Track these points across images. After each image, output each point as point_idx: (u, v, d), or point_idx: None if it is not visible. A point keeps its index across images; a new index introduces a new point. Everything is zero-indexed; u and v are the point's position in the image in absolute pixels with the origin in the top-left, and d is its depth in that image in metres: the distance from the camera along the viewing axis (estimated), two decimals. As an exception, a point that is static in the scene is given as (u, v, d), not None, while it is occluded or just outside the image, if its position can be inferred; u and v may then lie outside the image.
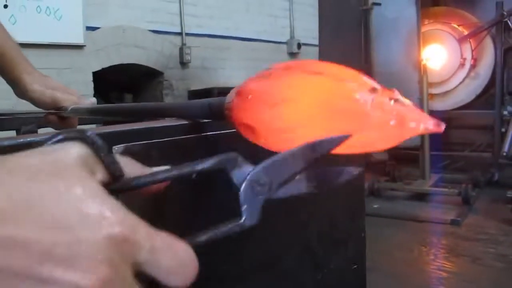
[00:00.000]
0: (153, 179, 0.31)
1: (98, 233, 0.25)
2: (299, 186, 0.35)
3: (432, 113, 4.80)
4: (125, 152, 0.42)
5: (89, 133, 0.29)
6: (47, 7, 3.36)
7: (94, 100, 1.11)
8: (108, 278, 0.25)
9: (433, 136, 4.66)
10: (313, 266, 1.04)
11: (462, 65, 5.16)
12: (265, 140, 0.43)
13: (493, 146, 5.04)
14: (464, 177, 4.71)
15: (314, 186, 0.36)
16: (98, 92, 4.00)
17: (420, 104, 4.56)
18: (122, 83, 4.41)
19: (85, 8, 3.56)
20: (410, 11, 4.50)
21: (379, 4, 4.66)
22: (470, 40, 5.20)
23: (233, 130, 0.51)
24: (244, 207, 0.32)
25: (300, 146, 0.33)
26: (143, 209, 0.30)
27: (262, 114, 0.42)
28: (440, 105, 5.32)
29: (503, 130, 4.93)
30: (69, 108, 0.95)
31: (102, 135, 0.34)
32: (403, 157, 5.33)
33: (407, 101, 0.39)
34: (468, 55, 5.16)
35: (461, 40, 5.19)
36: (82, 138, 0.29)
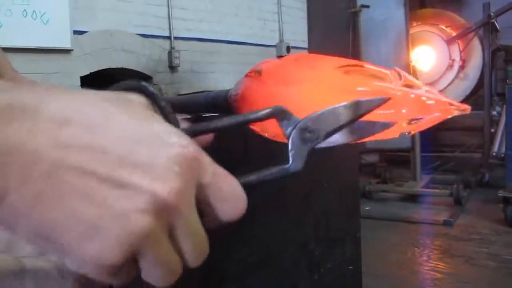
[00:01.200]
0: (208, 128, 0.33)
1: (173, 149, 0.27)
2: (341, 137, 0.38)
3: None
4: None
5: (147, 86, 0.31)
6: (34, 11, 3.31)
7: None
8: (181, 190, 0.26)
9: (424, 138, 4.67)
10: (309, 266, 1.02)
11: (450, 66, 5.19)
12: (274, 133, 0.44)
13: (483, 146, 5.07)
14: (455, 178, 4.73)
15: (354, 137, 0.39)
16: (86, 97, 3.96)
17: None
18: (109, 87, 4.36)
19: (72, 12, 3.52)
20: (399, 13, 4.52)
21: (367, 6, 4.68)
22: (458, 41, 5.23)
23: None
24: (291, 153, 0.34)
25: (345, 102, 0.35)
26: None
27: (276, 92, 0.44)
28: (429, 106, 5.34)
29: (492, 130, 4.97)
30: None
31: None
32: (394, 159, 5.35)
33: (431, 88, 0.42)
34: (456, 56, 5.19)
35: (449, 41, 5.22)
36: (141, 87, 0.31)
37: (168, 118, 0.31)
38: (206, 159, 0.29)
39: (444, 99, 0.44)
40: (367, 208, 4.45)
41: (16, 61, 0.74)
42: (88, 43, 3.72)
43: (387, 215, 4.14)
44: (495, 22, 5.01)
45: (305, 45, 5.83)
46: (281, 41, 5.80)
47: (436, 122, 0.44)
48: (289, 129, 0.35)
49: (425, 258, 3.18)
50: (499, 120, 4.86)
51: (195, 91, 4.48)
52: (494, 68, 5.19)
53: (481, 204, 4.30)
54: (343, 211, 1.19)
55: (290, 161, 0.34)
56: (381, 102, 0.36)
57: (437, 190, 4.44)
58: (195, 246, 0.28)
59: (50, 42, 3.43)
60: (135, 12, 4.04)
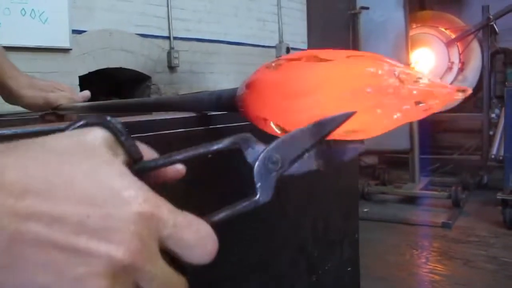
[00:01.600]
0: (170, 160, 0.33)
1: (128, 209, 0.27)
2: (308, 163, 0.36)
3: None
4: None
5: (109, 119, 0.30)
6: (32, 9, 3.30)
7: (87, 93, 1.07)
8: (138, 250, 0.26)
9: (422, 140, 4.67)
10: (307, 268, 1.01)
11: (450, 68, 5.19)
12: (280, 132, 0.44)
13: (482, 149, 5.07)
14: (453, 180, 4.72)
15: (322, 163, 0.36)
16: (85, 96, 3.94)
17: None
18: (109, 88, 4.35)
19: (71, 11, 3.50)
20: (398, 15, 4.52)
21: (367, 8, 4.67)
22: (458, 43, 5.23)
23: (242, 123, 0.51)
24: (258, 185, 0.34)
25: (308, 124, 0.35)
26: (162, 191, 0.31)
27: (277, 105, 0.43)
28: (428, 108, 5.34)
29: (491, 133, 4.97)
30: (66, 106, 0.93)
31: None
32: (392, 161, 5.34)
33: (431, 77, 0.41)
34: (455, 58, 5.19)
35: (448, 43, 5.22)
36: (103, 123, 0.30)
37: (130, 151, 0.31)
38: (165, 212, 0.29)
39: (445, 84, 0.43)
40: (365, 210, 4.44)
41: (15, 60, 0.74)
42: (87, 43, 3.71)
43: (386, 217, 4.13)
44: (494, 25, 5.01)
45: (305, 46, 5.82)
46: (280, 41, 5.80)
47: (440, 107, 0.42)
48: (253, 159, 0.34)
49: (423, 260, 3.17)
50: (497, 122, 4.86)
51: (194, 91, 4.48)
52: (493, 70, 5.19)
53: (479, 206, 4.30)
54: (342, 213, 1.18)
55: (258, 194, 0.34)
56: (345, 118, 0.35)
57: (435, 192, 4.44)
58: None
59: (48, 41, 3.42)
60: (134, 12, 4.03)
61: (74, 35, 3.59)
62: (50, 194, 0.25)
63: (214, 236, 0.30)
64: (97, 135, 0.30)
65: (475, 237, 3.53)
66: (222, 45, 4.89)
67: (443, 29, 5.36)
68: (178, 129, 0.61)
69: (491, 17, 4.86)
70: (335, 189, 1.10)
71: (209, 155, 0.35)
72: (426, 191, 4.54)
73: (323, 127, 0.35)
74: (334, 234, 1.11)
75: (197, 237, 0.29)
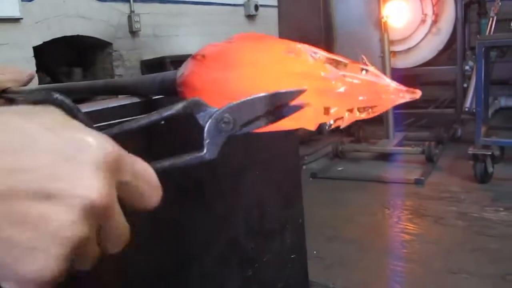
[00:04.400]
0: (123, 129, 0.34)
1: (95, 153, 0.28)
2: (259, 122, 0.37)
3: (395, 71, 4.75)
4: None
5: (56, 96, 0.31)
6: (-27, -23, 3.08)
7: (31, 72, 1.02)
8: (106, 193, 0.28)
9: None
10: (240, 263, 0.95)
11: (423, 21, 5.06)
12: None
13: (456, 102, 5.03)
14: (428, 135, 4.70)
15: (271, 120, 0.37)
16: (43, 68, 3.76)
17: (382, 63, 4.48)
18: (69, 57, 4.16)
19: (18, -23, 3.28)
20: (369, -33, 4.36)
21: (337, -40, 4.49)
22: (431, -6, 5.08)
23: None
24: (206, 142, 0.35)
25: (263, 93, 0.36)
26: None
27: (217, 78, 0.44)
28: (402, 62, 5.24)
29: (465, 85, 4.92)
30: (15, 89, 0.87)
31: None
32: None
33: (378, 72, 0.42)
34: (429, 10, 5.05)
35: (421, -5, 5.07)
36: (51, 100, 0.31)
37: (84, 123, 0.32)
38: (126, 158, 0.30)
39: (393, 84, 0.44)
40: (339, 168, 4.43)
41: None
42: (39, 11, 3.49)
43: (359, 175, 4.12)
44: (468, -26, 4.87)
45: (275, 2, 5.62)
46: (249, -1, 5.58)
47: (383, 109, 0.44)
48: (205, 120, 0.36)
49: (395, 219, 3.17)
50: (471, 74, 4.80)
51: (158, 56, 4.31)
52: (467, 22, 5.09)
53: (453, 161, 4.31)
54: (282, 199, 1.11)
55: (205, 150, 0.35)
56: (299, 93, 0.37)
57: (409, 148, 4.42)
58: (119, 237, 0.31)
59: (-4, 11, 3.21)
60: (90, -26, 3.80)
61: (24, 3, 3.37)
62: (14, 151, 0.26)
63: (159, 185, 0.32)
64: (51, 108, 0.31)
65: (447, 193, 3.54)
66: (186, 5, 4.67)
67: (416, -20, 5.20)
68: (122, 117, 0.60)
69: (464, -35, 4.71)
70: (270, 175, 1.03)
71: (162, 122, 0.36)
72: (400, 147, 4.52)
73: (278, 98, 0.36)
74: (271, 223, 1.05)
75: (148, 187, 0.32)
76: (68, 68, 4.14)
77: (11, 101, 0.96)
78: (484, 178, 3.60)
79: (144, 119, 0.35)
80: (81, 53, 4.23)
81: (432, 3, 5.04)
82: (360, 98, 0.43)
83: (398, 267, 2.52)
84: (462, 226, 2.96)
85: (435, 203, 3.38)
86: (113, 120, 0.61)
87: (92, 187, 0.27)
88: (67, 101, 0.32)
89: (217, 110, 0.36)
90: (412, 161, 4.30)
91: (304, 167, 4.34)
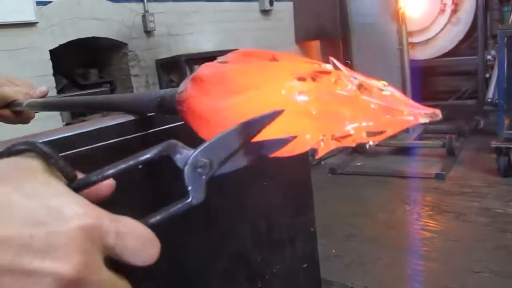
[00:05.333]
0: (102, 175, 0.34)
1: (70, 224, 0.27)
2: (238, 161, 0.36)
3: (414, 63, 4.65)
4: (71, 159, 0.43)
5: (36, 144, 0.31)
6: (-11, -16, 3.11)
7: (44, 88, 1.04)
8: (83, 264, 0.27)
9: (416, 86, 4.51)
10: (248, 276, 0.93)
11: (442, 10, 4.95)
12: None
13: (478, 92, 4.92)
14: (448, 127, 4.61)
15: (252, 159, 0.37)
16: (60, 71, 3.79)
17: (400, 55, 4.40)
18: (85, 59, 4.19)
19: (33, -19, 3.30)
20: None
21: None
22: (449, -17, 4.97)
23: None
24: (189, 188, 0.35)
25: (233, 126, 0.35)
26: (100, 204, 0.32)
27: (219, 104, 0.42)
28: (421, 54, 5.15)
29: (487, 75, 4.80)
30: (24, 103, 0.91)
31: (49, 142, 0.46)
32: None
33: (396, 92, 0.39)
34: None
35: (440, -17, 4.96)
36: (30, 149, 0.31)
37: (63, 172, 0.32)
38: (106, 222, 0.29)
39: (410, 103, 0.40)
40: (358, 163, 4.37)
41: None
42: (54, 14, 3.51)
43: (378, 170, 4.06)
44: (488, -40, 4.73)
45: (290, -3, 5.57)
46: (264, -6, 5.52)
47: (398, 130, 0.40)
48: (183, 163, 0.35)
49: (415, 216, 3.12)
50: (493, 64, 4.68)
51: (173, 55, 4.31)
52: (488, 9, 4.95)
53: (475, 153, 4.21)
54: (292, 209, 1.09)
55: (190, 196, 0.35)
56: (275, 115, 0.35)
57: (429, 142, 4.34)
58: None
59: (12, 16, 3.24)
60: (103, -25, 3.81)
61: (39, 7, 3.40)
62: None
63: (155, 238, 0.31)
64: (31, 161, 0.30)
65: (468, 188, 3.46)
66: (200, 3, 4.65)
67: (434, -32, 5.08)
68: (119, 136, 0.61)
69: (484, -49, 4.58)
70: (278, 185, 1.00)
71: (140, 166, 0.36)
72: (420, 140, 4.44)
73: (251, 126, 0.35)
74: (281, 234, 1.03)
75: (139, 242, 0.31)
76: (84, 70, 4.17)
77: (17, 114, 0.97)
78: (507, 172, 3.51)
79: (121, 164, 0.34)
80: (97, 54, 4.25)
81: (451, -8, 4.92)
82: (371, 123, 0.40)
83: (418, 265, 2.47)
84: (485, 222, 2.89)
85: (456, 198, 3.31)
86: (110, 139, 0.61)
87: (65, 260, 0.26)
88: (46, 149, 0.32)
89: (193, 153, 0.35)
90: (432, 155, 4.22)
91: (322, 162, 4.30)
